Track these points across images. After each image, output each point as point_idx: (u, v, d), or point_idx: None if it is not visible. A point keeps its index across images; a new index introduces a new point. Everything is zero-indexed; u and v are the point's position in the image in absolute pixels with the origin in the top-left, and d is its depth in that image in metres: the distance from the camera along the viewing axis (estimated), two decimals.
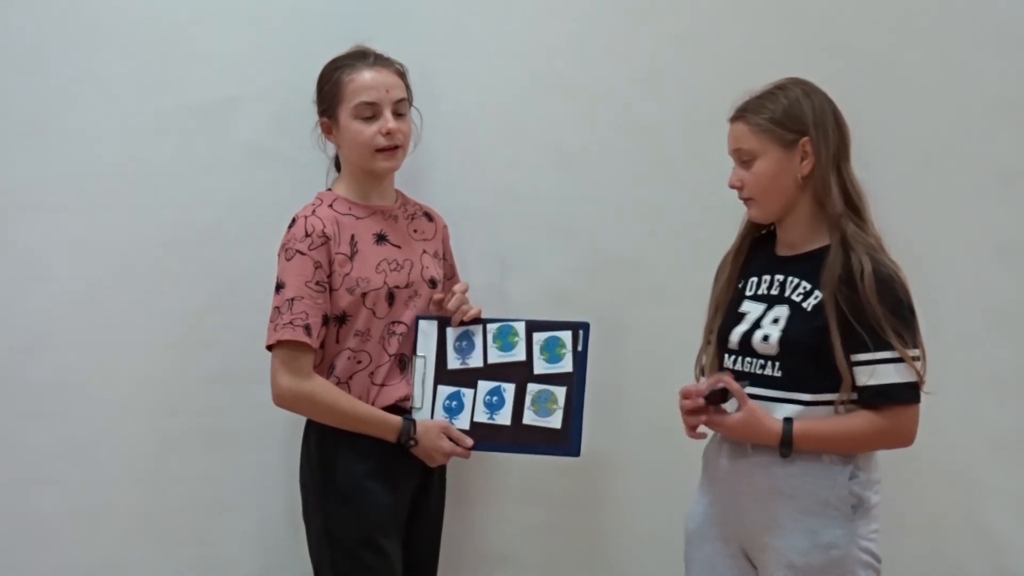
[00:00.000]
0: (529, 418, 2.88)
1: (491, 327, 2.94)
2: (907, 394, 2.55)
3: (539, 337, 2.91)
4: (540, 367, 2.90)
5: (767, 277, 2.67)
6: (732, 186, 2.67)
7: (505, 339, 2.93)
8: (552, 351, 2.90)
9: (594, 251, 3.19)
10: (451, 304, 2.94)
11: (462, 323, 2.94)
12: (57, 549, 3.15)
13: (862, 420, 2.55)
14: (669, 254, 3.10)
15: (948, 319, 3.12)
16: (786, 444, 2.54)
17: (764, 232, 2.74)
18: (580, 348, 2.89)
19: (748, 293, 2.69)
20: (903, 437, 2.59)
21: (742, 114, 2.64)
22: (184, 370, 3.16)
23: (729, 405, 2.61)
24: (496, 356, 2.92)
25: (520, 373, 2.90)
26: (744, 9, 3.16)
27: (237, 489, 3.18)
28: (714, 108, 2.70)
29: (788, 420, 2.55)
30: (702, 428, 2.66)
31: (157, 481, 3.17)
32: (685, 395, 2.63)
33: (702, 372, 2.76)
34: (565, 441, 2.87)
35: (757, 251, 2.73)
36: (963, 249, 3.13)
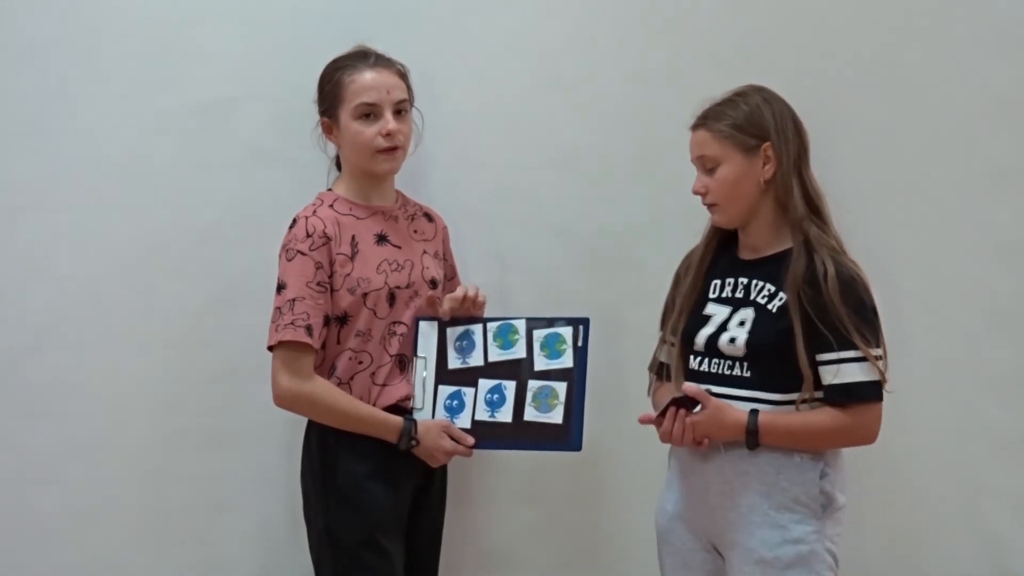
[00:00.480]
0: (530, 414, 2.88)
1: (491, 326, 2.93)
2: (870, 392, 2.59)
3: (539, 334, 2.91)
4: (541, 363, 2.89)
5: (731, 280, 2.71)
6: (696, 192, 2.71)
7: (505, 337, 2.93)
8: (552, 347, 2.90)
9: (594, 251, 3.19)
10: (447, 306, 2.93)
11: (460, 321, 2.93)
12: (57, 549, 3.16)
13: (827, 416, 2.59)
14: (668, 253, 3.09)
15: (948, 319, 3.12)
16: (751, 433, 2.57)
17: (726, 236, 2.77)
18: (580, 343, 2.89)
19: (712, 296, 2.73)
20: (866, 434, 2.63)
21: (704, 122, 2.68)
22: (184, 370, 3.16)
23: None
24: (496, 354, 2.92)
25: (521, 370, 2.90)
26: (744, 9, 3.16)
27: (237, 489, 3.18)
28: None
29: (754, 412, 2.59)
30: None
31: (157, 481, 3.17)
32: (646, 419, 2.68)
33: (659, 369, 2.82)
34: (566, 436, 2.86)
35: (719, 255, 2.77)
36: (963, 249, 3.13)
